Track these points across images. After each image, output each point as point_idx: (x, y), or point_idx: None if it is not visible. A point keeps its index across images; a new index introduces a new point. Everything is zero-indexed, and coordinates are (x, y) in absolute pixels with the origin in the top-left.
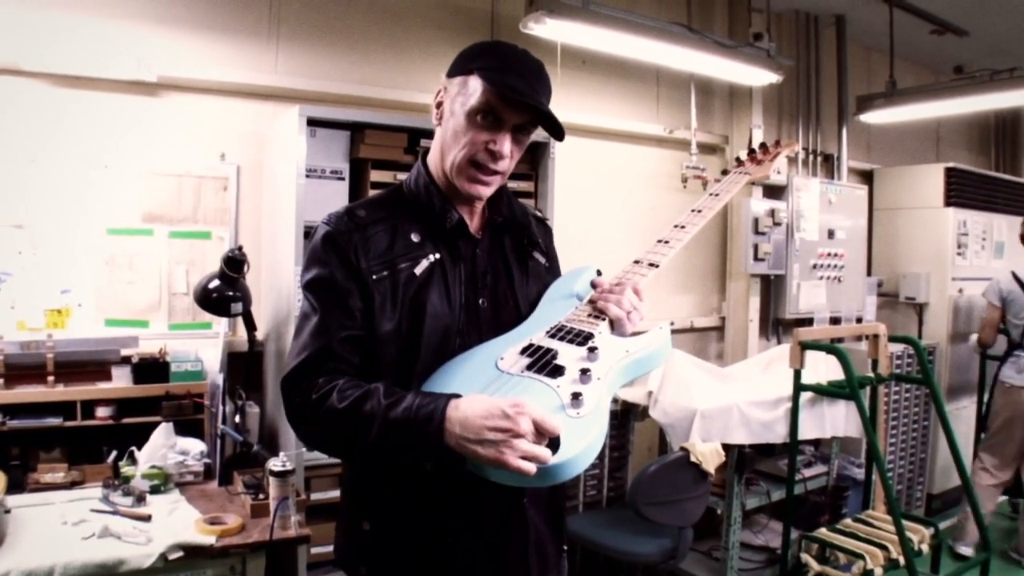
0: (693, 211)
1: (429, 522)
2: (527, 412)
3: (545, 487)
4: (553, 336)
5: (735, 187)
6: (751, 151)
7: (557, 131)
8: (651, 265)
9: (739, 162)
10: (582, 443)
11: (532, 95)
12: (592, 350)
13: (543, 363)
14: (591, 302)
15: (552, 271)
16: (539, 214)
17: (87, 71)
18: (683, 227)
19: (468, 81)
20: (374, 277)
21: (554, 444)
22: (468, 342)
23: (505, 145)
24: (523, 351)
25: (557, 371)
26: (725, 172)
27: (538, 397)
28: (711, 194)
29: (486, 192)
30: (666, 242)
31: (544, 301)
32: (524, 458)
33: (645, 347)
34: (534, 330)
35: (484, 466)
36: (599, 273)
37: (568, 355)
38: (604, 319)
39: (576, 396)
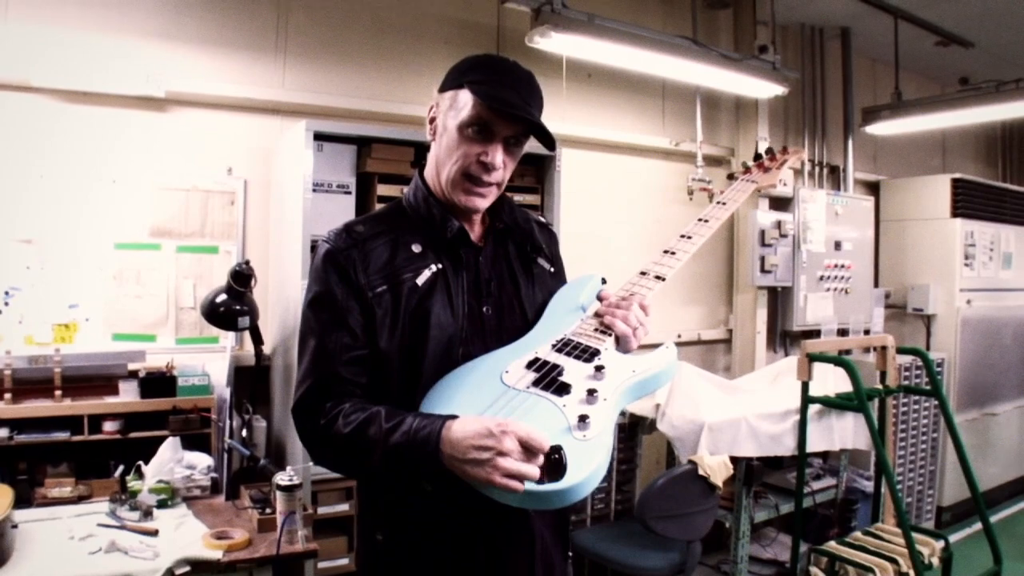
0: (700, 221)
1: (437, 534)
2: (512, 431)
3: None
4: (559, 351)
5: (742, 195)
6: (758, 156)
7: (548, 141)
8: (657, 278)
9: (746, 169)
10: (589, 467)
11: (522, 106)
12: (599, 368)
13: (549, 380)
14: (597, 316)
15: (558, 276)
16: (542, 219)
17: (96, 87)
18: (689, 237)
19: (459, 95)
20: (375, 291)
21: (560, 469)
22: (472, 351)
23: (497, 157)
24: (529, 365)
25: (563, 389)
26: (732, 177)
27: (544, 416)
28: (718, 203)
29: (482, 204)
30: (672, 253)
31: (548, 312)
32: (511, 476)
33: (651, 367)
34: (539, 342)
35: (481, 485)
36: (604, 282)
37: (574, 372)
38: (610, 335)
39: (583, 418)
